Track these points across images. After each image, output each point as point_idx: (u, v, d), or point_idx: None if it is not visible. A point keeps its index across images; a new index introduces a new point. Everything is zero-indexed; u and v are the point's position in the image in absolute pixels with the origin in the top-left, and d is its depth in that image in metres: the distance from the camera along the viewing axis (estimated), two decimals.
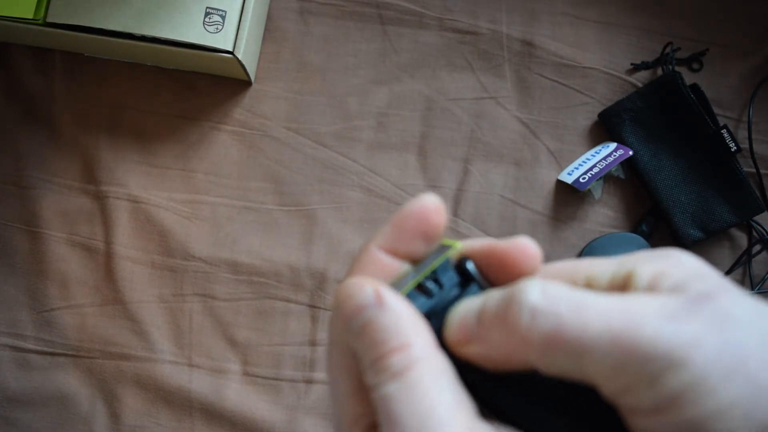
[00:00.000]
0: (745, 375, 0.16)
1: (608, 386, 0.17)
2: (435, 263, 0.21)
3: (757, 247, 0.58)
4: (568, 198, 0.58)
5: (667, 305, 0.17)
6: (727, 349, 0.17)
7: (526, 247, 0.21)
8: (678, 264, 0.19)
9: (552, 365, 0.18)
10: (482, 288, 0.21)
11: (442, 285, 0.21)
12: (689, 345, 0.16)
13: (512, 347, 0.18)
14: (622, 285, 0.19)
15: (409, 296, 0.20)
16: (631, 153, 0.56)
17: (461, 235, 0.58)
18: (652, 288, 0.18)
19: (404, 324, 0.19)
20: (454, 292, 0.21)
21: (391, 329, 0.19)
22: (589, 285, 0.20)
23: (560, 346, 0.17)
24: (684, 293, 0.18)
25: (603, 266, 0.20)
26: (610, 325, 0.17)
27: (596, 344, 0.17)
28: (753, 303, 0.18)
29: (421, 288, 0.21)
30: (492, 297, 0.19)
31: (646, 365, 0.16)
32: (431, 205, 0.21)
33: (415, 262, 0.22)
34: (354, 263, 0.22)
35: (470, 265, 0.21)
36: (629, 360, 0.17)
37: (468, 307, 0.20)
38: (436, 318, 0.20)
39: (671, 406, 0.16)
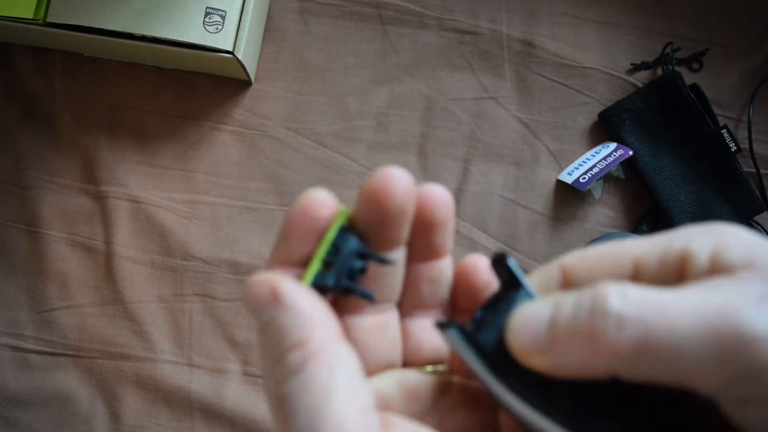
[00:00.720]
0: None
1: (710, 382, 0.16)
2: (328, 237, 0.20)
3: None
4: (568, 198, 0.58)
5: (754, 287, 0.16)
6: None
7: (388, 176, 0.20)
8: (735, 238, 0.18)
9: (641, 372, 0.17)
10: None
11: (338, 250, 0.20)
12: None
13: (593, 357, 0.17)
14: (678, 266, 0.18)
15: (316, 278, 0.20)
16: (631, 153, 0.56)
17: (461, 235, 0.58)
18: (715, 267, 0.18)
19: (301, 320, 0.19)
20: (352, 246, 0.20)
21: (288, 327, 0.18)
22: (638, 269, 0.19)
23: (651, 352, 0.16)
24: (762, 271, 0.17)
25: (648, 246, 0.20)
26: (703, 320, 0.16)
27: (691, 343, 0.16)
28: None
29: (324, 264, 0.20)
30: (565, 304, 0.18)
31: (753, 353, 0.16)
32: (317, 201, 0.20)
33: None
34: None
35: (512, 263, 0.20)
36: (732, 352, 0.16)
37: (534, 314, 0.19)
38: (345, 279, 0.20)
39: None
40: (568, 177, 0.57)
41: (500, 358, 0.19)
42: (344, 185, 0.58)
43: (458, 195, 0.58)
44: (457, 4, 0.61)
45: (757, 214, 0.56)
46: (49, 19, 0.53)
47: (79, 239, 0.57)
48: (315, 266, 0.20)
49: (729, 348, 0.16)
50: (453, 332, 0.20)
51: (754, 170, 0.57)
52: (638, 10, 0.61)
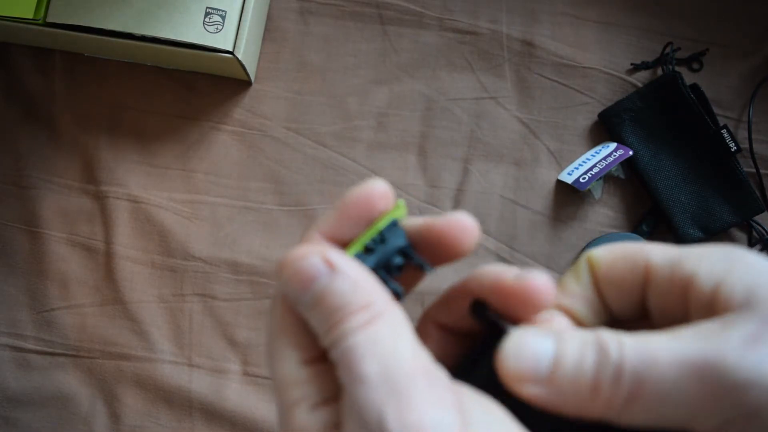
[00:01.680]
0: None
1: (705, 426, 0.17)
2: (380, 224, 0.21)
3: (757, 247, 0.58)
4: (568, 198, 0.58)
5: (745, 328, 0.17)
6: None
7: (462, 222, 0.21)
8: (743, 269, 0.18)
9: (633, 419, 0.18)
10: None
11: (384, 240, 0.21)
12: None
13: (590, 403, 0.18)
14: (684, 286, 0.19)
15: (356, 257, 0.20)
16: (631, 153, 0.56)
17: None
18: (715, 299, 0.18)
19: (362, 285, 0.19)
20: (399, 242, 0.21)
21: (350, 293, 0.19)
22: (648, 278, 0.20)
23: (643, 401, 0.17)
24: (758, 310, 0.17)
25: (663, 258, 0.20)
26: (692, 369, 0.17)
27: (681, 392, 0.17)
28: None
29: (366, 249, 0.21)
30: (571, 346, 0.19)
31: (743, 397, 0.16)
32: (377, 191, 0.21)
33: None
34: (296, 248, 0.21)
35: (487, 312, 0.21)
36: (722, 398, 0.16)
37: (536, 346, 0.19)
38: (382, 270, 0.21)
39: None
40: (568, 177, 0.57)
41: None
42: (344, 185, 0.58)
43: (458, 195, 0.58)
44: (457, 4, 0.61)
45: (757, 214, 0.56)
46: (49, 19, 0.53)
47: (79, 239, 0.57)
48: (357, 246, 0.20)
49: (719, 395, 0.16)
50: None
51: (754, 170, 0.57)
52: (638, 10, 0.61)
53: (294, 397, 0.19)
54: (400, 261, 0.21)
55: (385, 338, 0.18)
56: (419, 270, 0.21)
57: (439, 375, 0.18)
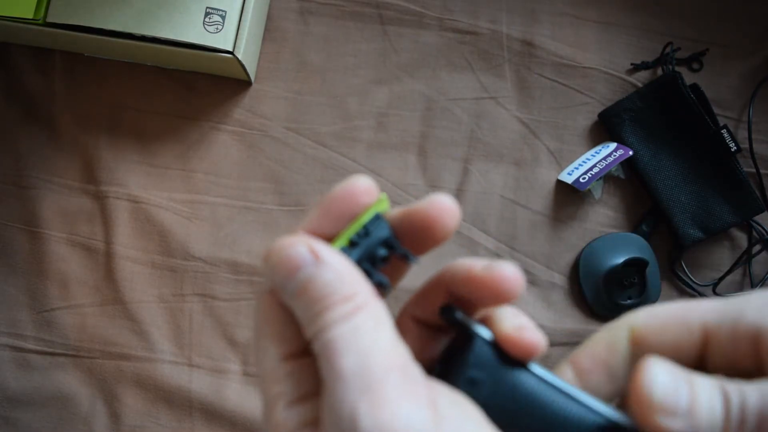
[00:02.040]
0: None
1: None
2: (363, 218, 0.21)
3: (757, 247, 0.58)
4: (568, 198, 0.58)
5: None
6: None
7: (441, 203, 0.22)
8: None
9: None
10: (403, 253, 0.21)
11: (368, 233, 0.21)
12: None
13: None
14: (752, 344, 0.19)
15: (341, 251, 0.21)
16: (631, 153, 0.56)
17: (461, 235, 0.58)
18: None
19: (346, 277, 0.19)
20: (383, 234, 0.21)
21: (334, 283, 0.19)
22: (708, 340, 0.20)
23: None
24: None
25: (718, 314, 0.20)
26: None
27: None
28: None
29: (351, 243, 0.21)
30: (702, 395, 0.19)
31: None
32: (360, 187, 0.21)
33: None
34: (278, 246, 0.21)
35: (460, 315, 0.21)
36: None
37: (676, 391, 0.19)
38: (366, 263, 0.21)
39: None
40: (568, 177, 0.57)
41: None
42: None
43: (458, 195, 0.58)
44: (457, 4, 0.61)
45: (757, 214, 0.56)
46: (49, 19, 0.53)
47: (79, 239, 0.57)
48: (342, 240, 0.21)
49: None
50: None
51: (754, 170, 0.57)
52: (638, 10, 0.61)
53: (274, 392, 0.20)
54: (385, 252, 0.21)
55: (365, 331, 0.18)
56: (404, 260, 0.21)
57: (415, 371, 0.19)
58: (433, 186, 0.58)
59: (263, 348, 0.20)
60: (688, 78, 0.59)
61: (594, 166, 0.56)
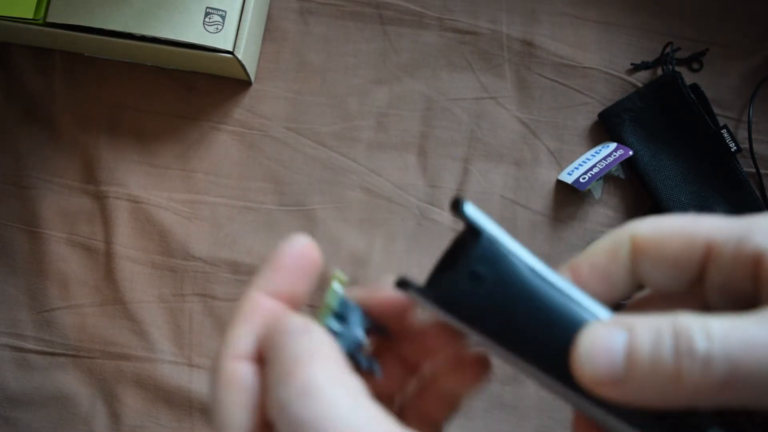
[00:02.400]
0: None
1: None
2: (327, 299, 0.22)
3: None
4: (568, 198, 0.58)
5: None
6: None
7: (395, 300, 0.22)
8: None
9: (724, 403, 0.17)
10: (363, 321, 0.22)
11: (347, 320, 0.21)
12: None
13: (675, 393, 0.17)
14: (753, 263, 0.18)
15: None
16: (631, 153, 0.56)
17: None
18: None
19: (321, 346, 0.20)
20: (357, 331, 0.21)
21: (308, 350, 0.19)
22: (710, 255, 0.19)
23: (739, 387, 0.17)
24: None
25: (724, 232, 0.19)
26: None
27: None
28: None
29: (332, 332, 0.21)
30: (642, 335, 0.18)
31: None
32: (303, 245, 0.22)
33: (296, 305, 0.22)
34: (237, 310, 0.22)
35: (469, 208, 0.20)
36: None
37: (608, 343, 0.18)
38: (354, 353, 0.21)
39: None
40: (568, 177, 0.57)
41: (462, 305, 0.20)
42: (344, 185, 0.58)
43: (458, 195, 0.58)
44: (457, 4, 0.61)
45: (757, 214, 0.56)
46: (49, 19, 0.53)
47: (79, 239, 0.57)
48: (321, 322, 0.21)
49: None
50: (411, 293, 0.20)
51: (754, 170, 0.57)
52: (638, 10, 0.61)
53: None
54: (365, 340, 0.22)
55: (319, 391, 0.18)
56: (384, 336, 0.23)
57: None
58: (433, 186, 0.58)
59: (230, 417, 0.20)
60: (688, 78, 0.59)
61: (594, 166, 0.56)
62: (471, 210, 0.20)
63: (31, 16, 0.52)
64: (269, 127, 0.59)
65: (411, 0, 0.61)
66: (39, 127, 0.59)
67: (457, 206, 0.20)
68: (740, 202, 0.56)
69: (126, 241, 0.57)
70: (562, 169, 0.58)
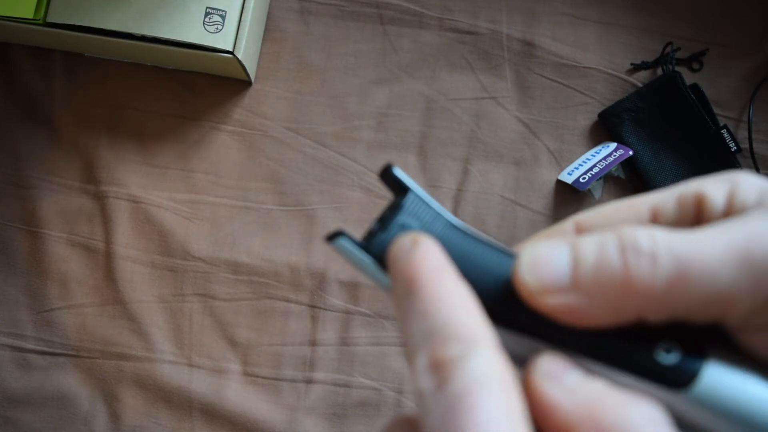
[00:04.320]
0: None
1: (742, 310, 0.16)
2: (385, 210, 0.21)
3: None
4: (568, 198, 0.58)
5: None
6: None
7: None
8: (747, 182, 0.18)
9: (672, 309, 0.17)
10: (417, 198, 0.21)
11: (385, 223, 0.20)
12: None
13: (623, 299, 0.17)
14: (695, 209, 0.19)
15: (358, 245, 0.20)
16: (631, 153, 0.56)
17: None
18: (731, 208, 0.18)
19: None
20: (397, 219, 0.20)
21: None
22: (656, 215, 0.20)
23: (687, 285, 0.16)
24: None
25: (663, 194, 0.20)
26: (736, 247, 0.16)
27: (726, 270, 0.16)
28: None
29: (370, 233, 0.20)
30: (586, 245, 0.18)
31: None
32: None
33: None
34: None
35: (398, 171, 0.21)
36: (761, 278, 0.16)
37: (550, 254, 0.18)
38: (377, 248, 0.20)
39: None
40: (568, 177, 0.57)
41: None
42: (344, 185, 0.58)
43: (458, 195, 0.58)
44: (457, 4, 0.61)
45: None
46: (49, 19, 0.53)
47: (79, 239, 0.57)
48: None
49: (760, 276, 0.16)
50: (342, 241, 0.20)
51: (754, 170, 0.57)
52: (638, 10, 0.61)
53: None
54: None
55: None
56: None
57: None
58: (433, 186, 0.58)
59: None
60: (688, 78, 0.59)
61: (594, 166, 0.56)
62: (400, 172, 0.21)
63: (31, 16, 0.52)
64: (269, 127, 0.59)
65: (411, 0, 0.61)
66: (39, 127, 0.59)
67: (387, 170, 0.21)
68: None
69: (126, 241, 0.57)
70: (562, 169, 0.58)
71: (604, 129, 0.59)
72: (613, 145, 0.57)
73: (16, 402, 0.55)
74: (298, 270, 0.57)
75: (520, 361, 0.19)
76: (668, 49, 0.59)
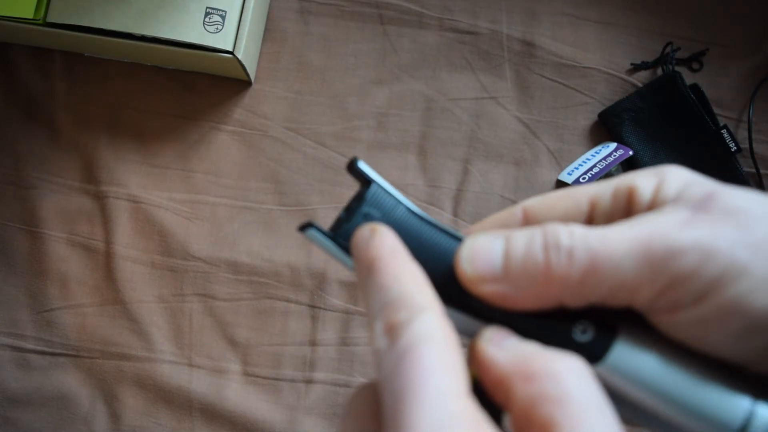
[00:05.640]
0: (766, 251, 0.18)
1: (645, 295, 0.19)
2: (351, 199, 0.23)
3: None
4: None
5: (678, 215, 0.20)
6: (746, 234, 0.19)
7: None
8: (673, 176, 0.21)
9: (586, 296, 0.20)
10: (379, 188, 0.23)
11: (351, 211, 0.23)
12: (712, 238, 0.19)
13: (545, 287, 0.20)
14: (627, 200, 0.21)
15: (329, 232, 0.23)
16: (631, 153, 0.56)
17: None
18: (655, 200, 0.21)
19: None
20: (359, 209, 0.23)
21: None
22: (594, 206, 0.22)
23: (597, 276, 0.19)
24: (688, 201, 0.20)
25: (601, 186, 0.22)
26: (638, 242, 0.19)
27: (630, 262, 0.19)
28: (749, 193, 0.20)
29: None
30: (517, 240, 0.21)
31: (679, 262, 0.19)
32: None
33: None
34: None
35: (362, 164, 0.23)
36: (663, 264, 0.19)
37: (487, 246, 0.21)
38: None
39: (711, 292, 0.18)
40: (568, 177, 0.57)
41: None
42: (344, 185, 0.58)
43: (458, 195, 0.58)
44: (457, 4, 0.61)
45: None
46: (49, 19, 0.53)
47: (79, 239, 0.57)
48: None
49: (660, 261, 0.19)
50: (312, 231, 0.22)
51: (754, 170, 0.57)
52: (638, 10, 0.61)
53: None
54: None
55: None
56: None
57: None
58: (433, 186, 0.58)
59: None
60: (688, 78, 0.59)
61: (594, 166, 0.56)
62: (363, 166, 0.23)
63: (31, 16, 0.52)
64: (269, 127, 0.59)
65: (411, 0, 0.61)
66: (39, 127, 0.59)
67: (352, 164, 0.23)
68: None
69: (126, 241, 0.57)
70: (562, 169, 0.58)
71: (604, 129, 0.59)
72: (613, 145, 0.57)
73: (16, 402, 0.55)
74: (298, 270, 0.57)
75: (469, 336, 0.22)
76: (668, 49, 0.59)
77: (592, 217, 0.22)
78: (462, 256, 0.21)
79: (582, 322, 0.20)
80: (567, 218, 0.22)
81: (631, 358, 0.20)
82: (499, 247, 0.21)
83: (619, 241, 0.19)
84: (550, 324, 0.20)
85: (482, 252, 0.21)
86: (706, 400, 0.19)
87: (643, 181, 0.21)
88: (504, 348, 0.19)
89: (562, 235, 0.20)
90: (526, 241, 0.20)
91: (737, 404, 0.19)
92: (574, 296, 0.20)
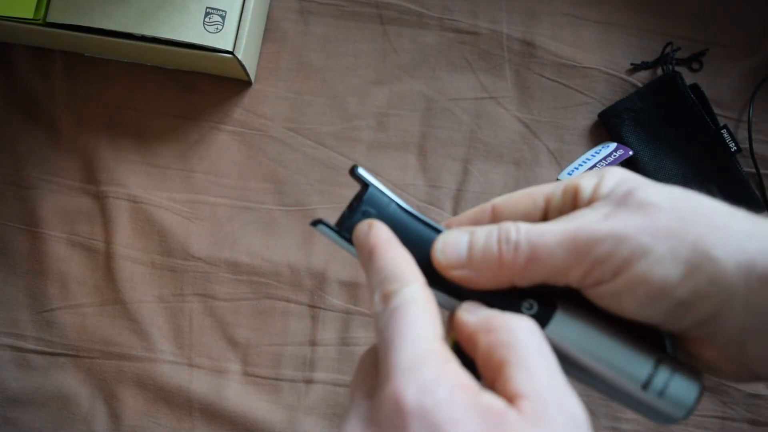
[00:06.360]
0: (666, 234, 0.23)
1: (575, 275, 0.24)
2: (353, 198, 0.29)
3: None
4: None
5: (603, 210, 0.24)
6: (650, 222, 0.23)
7: None
8: (610, 176, 0.26)
9: (531, 278, 0.25)
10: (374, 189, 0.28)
11: (352, 208, 0.28)
12: (624, 227, 0.23)
13: (498, 272, 0.25)
14: (573, 197, 0.26)
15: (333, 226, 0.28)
16: (631, 153, 0.56)
17: None
18: (593, 196, 0.26)
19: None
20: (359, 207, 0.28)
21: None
22: (548, 203, 0.27)
23: (537, 263, 0.24)
24: (614, 197, 0.25)
25: (554, 186, 0.27)
26: (568, 234, 0.24)
27: (561, 251, 0.24)
28: (663, 188, 0.25)
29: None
30: (479, 235, 0.26)
31: (599, 248, 0.24)
32: None
33: None
34: None
35: (361, 170, 0.29)
36: (586, 250, 0.24)
37: (456, 240, 0.26)
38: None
39: (623, 269, 0.23)
40: (568, 177, 0.57)
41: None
42: (344, 185, 0.58)
43: (458, 195, 0.58)
44: (457, 4, 0.61)
45: (757, 214, 0.56)
46: (49, 19, 0.53)
47: (79, 239, 0.57)
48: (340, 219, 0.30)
49: (584, 248, 0.24)
50: (321, 226, 0.28)
51: (754, 170, 0.57)
52: (638, 9, 0.61)
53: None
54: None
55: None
56: None
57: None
58: (433, 186, 0.58)
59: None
60: (688, 78, 0.59)
61: (594, 166, 0.56)
62: (362, 171, 0.29)
63: (31, 16, 0.52)
64: (269, 127, 0.59)
65: (411, 0, 0.61)
66: (39, 127, 0.59)
67: (353, 170, 0.29)
68: (740, 202, 0.56)
69: (126, 241, 0.57)
70: (562, 169, 0.58)
71: (604, 129, 0.59)
72: (613, 145, 0.57)
73: (16, 402, 0.55)
74: (298, 270, 0.57)
75: (449, 310, 0.27)
76: (668, 49, 0.59)
77: (547, 213, 0.27)
78: (437, 248, 0.27)
79: (528, 299, 0.26)
80: (527, 214, 0.27)
81: (566, 326, 0.25)
82: (465, 241, 0.26)
83: (553, 234, 0.24)
84: (505, 301, 0.26)
85: (451, 244, 0.26)
86: (620, 357, 0.25)
87: (586, 181, 0.26)
88: (474, 313, 0.25)
89: (511, 231, 0.25)
90: (485, 236, 0.26)
91: (644, 361, 0.25)
92: (521, 279, 0.25)
